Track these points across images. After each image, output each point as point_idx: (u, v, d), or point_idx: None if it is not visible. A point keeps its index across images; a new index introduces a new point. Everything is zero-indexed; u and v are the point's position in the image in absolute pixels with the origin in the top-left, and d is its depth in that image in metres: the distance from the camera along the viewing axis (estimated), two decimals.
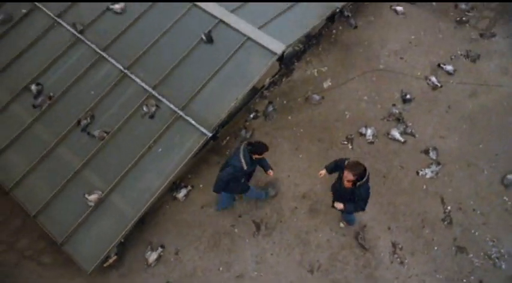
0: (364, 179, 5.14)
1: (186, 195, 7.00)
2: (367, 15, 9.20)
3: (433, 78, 8.23)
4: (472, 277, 6.33)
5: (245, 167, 5.57)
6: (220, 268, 6.42)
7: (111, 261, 6.32)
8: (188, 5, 7.68)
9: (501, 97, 8.12)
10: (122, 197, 6.48)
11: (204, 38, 7.29)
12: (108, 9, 7.85)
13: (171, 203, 6.96)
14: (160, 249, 6.54)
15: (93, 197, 6.39)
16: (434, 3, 9.38)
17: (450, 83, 8.26)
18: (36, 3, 8.09)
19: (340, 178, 5.55)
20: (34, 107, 7.19)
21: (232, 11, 7.53)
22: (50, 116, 7.11)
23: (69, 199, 6.49)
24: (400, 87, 8.14)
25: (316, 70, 8.39)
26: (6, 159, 6.88)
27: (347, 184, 5.32)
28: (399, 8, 9.25)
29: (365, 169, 5.17)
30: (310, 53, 8.61)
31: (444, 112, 7.90)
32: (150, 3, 7.85)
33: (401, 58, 8.54)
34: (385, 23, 9.10)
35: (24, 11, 8.10)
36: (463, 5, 9.32)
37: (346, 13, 8.94)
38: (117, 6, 7.83)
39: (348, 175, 5.12)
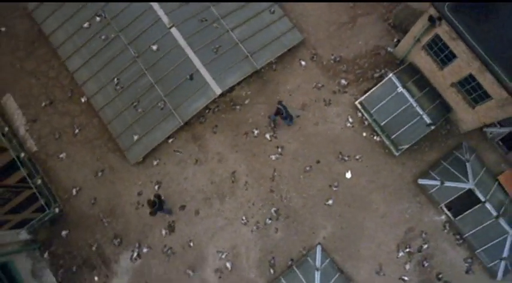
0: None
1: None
2: (284, 63, 16.89)
3: (300, 112, 16.48)
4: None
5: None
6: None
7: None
8: (185, 56, 15.86)
9: (328, 129, 16.46)
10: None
11: (188, 77, 15.84)
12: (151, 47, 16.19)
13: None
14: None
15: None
16: (325, 63, 16.69)
17: (307, 115, 16.53)
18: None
19: None
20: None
21: (204, 65, 15.74)
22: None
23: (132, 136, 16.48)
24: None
25: (244, 92, 16.79)
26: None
27: None
28: (303, 62, 16.73)
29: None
30: (246, 81, 16.79)
31: (296, 130, 16.49)
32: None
33: (290, 94, 16.64)
34: (292, 70, 16.80)
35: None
36: (343, 72, 16.60)
37: (273, 60, 16.63)
38: (154, 47, 16.14)
39: None
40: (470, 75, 13.70)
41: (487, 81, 13.15)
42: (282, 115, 15.23)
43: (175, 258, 16.13)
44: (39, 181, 16.29)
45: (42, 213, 15.66)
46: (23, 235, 15.12)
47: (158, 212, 15.42)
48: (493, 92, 13.28)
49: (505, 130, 16.37)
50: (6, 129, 16.77)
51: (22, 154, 16.49)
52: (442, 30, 13.25)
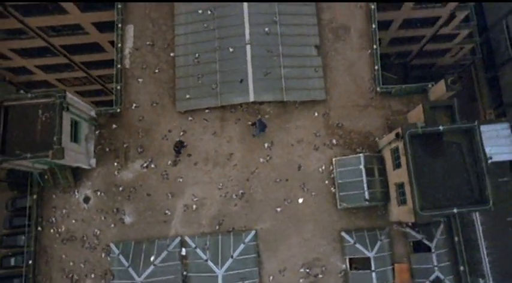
0: None
1: None
2: (304, 106, 23.17)
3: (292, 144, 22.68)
4: None
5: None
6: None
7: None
8: (245, 65, 22.46)
9: (306, 165, 22.52)
10: None
11: (239, 80, 22.43)
12: None
13: None
14: None
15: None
16: (330, 122, 22.63)
17: (297, 148, 22.66)
18: None
19: None
20: None
21: (253, 78, 22.23)
22: None
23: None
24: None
25: (268, 109, 23.15)
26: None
27: None
28: (316, 113, 22.95)
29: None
30: (273, 103, 23.08)
31: (286, 153, 22.70)
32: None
33: (295, 128, 22.81)
34: (306, 114, 23.03)
35: None
36: (337, 135, 22.51)
37: (298, 101, 22.78)
38: (231, 49, 22.89)
39: None
40: (402, 184, 19.27)
41: (407, 192, 18.70)
42: (255, 126, 22.16)
43: (166, 182, 23.20)
44: (118, 87, 23.89)
45: (110, 107, 23.57)
46: (92, 112, 22.89)
47: (176, 152, 22.72)
48: (408, 201, 18.81)
49: (418, 236, 21.69)
50: (119, 45, 24.45)
51: (119, 66, 24.14)
52: (400, 146, 18.87)
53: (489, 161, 25.21)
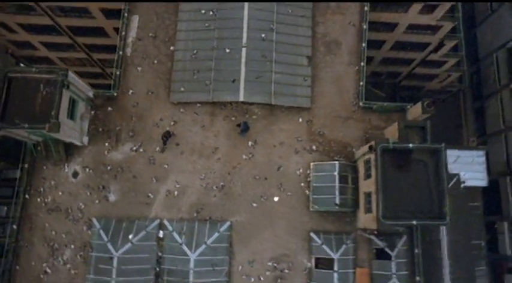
0: None
1: None
2: (290, 111, 24.59)
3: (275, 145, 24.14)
4: None
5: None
6: None
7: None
8: (239, 67, 23.89)
9: (285, 166, 23.98)
10: None
11: (232, 80, 23.86)
12: None
13: None
14: None
15: None
16: (312, 129, 24.13)
17: (280, 149, 24.10)
18: None
19: None
20: None
21: (245, 79, 23.63)
22: None
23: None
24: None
25: (256, 110, 24.58)
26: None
27: None
28: (300, 119, 24.36)
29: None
30: (262, 105, 24.53)
31: (268, 153, 24.12)
32: None
33: (279, 131, 24.25)
34: (291, 119, 24.55)
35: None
36: (318, 142, 24.00)
37: (285, 105, 24.24)
38: (227, 50, 24.28)
39: None
40: (370, 193, 20.81)
41: (374, 200, 20.25)
42: (240, 127, 23.66)
43: (152, 167, 24.50)
44: (118, 72, 25.15)
45: (108, 90, 24.89)
46: (90, 93, 24.15)
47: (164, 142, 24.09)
48: (374, 209, 20.35)
49: (381, 244, 23.26)
50: (123, 33, 25.74)
51: (121, 52, 25.40)
52: (372, 157, 20.42)
53: (462, 185, 27.10)
